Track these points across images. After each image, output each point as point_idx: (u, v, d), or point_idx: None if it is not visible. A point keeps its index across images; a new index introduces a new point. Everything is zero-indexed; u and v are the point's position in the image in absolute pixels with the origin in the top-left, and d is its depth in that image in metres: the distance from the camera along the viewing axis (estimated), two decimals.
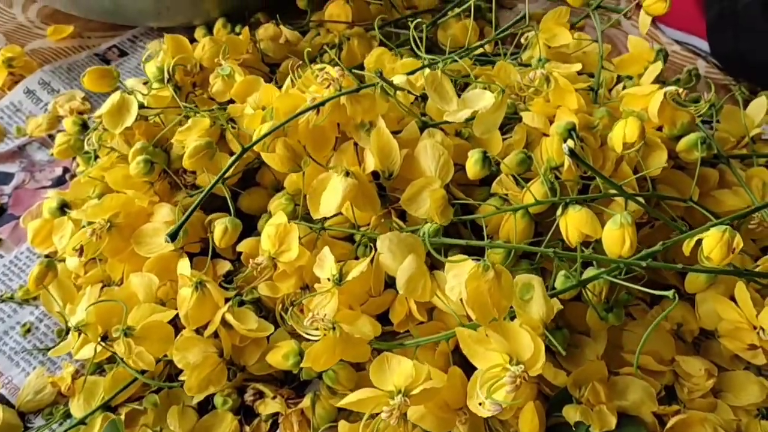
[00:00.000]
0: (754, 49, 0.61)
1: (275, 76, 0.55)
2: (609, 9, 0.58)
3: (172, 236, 0.39)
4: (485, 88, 0.44)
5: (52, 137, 0.60)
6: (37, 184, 0.56)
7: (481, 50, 0.59)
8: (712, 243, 0.37)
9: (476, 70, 0.55)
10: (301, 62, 0.46)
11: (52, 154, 0.58)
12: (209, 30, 0.63)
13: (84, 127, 0.56)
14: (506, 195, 0.45)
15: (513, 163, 0.44)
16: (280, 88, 0.48)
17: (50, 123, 0.61)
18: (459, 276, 0.36)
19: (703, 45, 0.68)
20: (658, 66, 0.49)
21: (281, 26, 0.59)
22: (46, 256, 0.49)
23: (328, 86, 0.43)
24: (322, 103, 0.42)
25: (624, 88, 0.53)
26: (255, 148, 0.43)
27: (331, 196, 0.40)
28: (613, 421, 0.38)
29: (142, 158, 0.45)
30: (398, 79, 0.44)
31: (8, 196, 0.55)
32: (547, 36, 0.56)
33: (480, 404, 0.32)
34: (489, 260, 0.35)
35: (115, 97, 0.47)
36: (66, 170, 0.57)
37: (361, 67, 0.54)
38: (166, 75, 0.49)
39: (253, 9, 0.65)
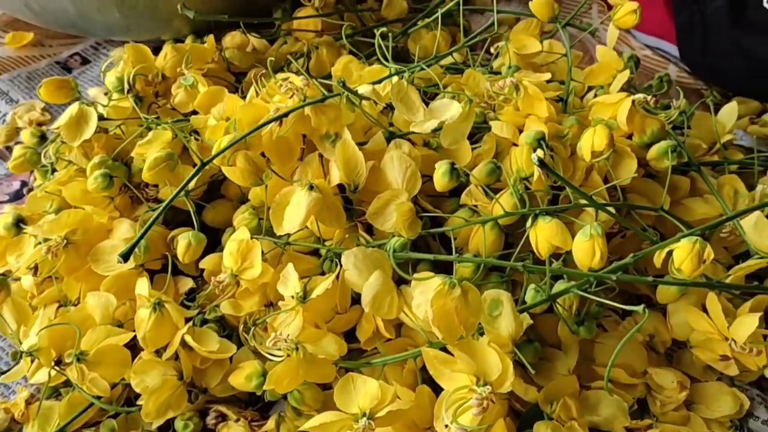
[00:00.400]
0: (721, 55, 0.61)
1: (241, 86, 0.54)
2: (578, 27, 0.57)
3: (125, 256, 0.37)
4: (453, 98, 0.43)
5: (10, 149, 0.58)
6: None
7: (451, 59, 0.58)
8: (683, 254, 0.37)
9: (446, 78, 0.54)
10: (265, 71, 0.44)
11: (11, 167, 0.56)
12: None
13: (42, 139, 0.55)
14: (476, 206, 0.44)
15: (482, 174, 0.43)
16: (245, 98, 0.47)
17: (8, 135, 0.59)
18: (425, 293, 0.35)
19: (674, 50, 0.68)
20: (626, 74, 0.49)
21: (249, 35, 0.58)
22: (1, 274, 0.47)
23: (292, 96, 0.42)
24: (285, 114, 0.41)
25: (595, 96, 0.52)
26: (216, 161, 0.41)
27: (295, 211, 0.39)
28: None
29: (100, 173, 0.43)
30: (364, 89, 0.43)
31: None
32: (517, 46, 0.55)
33: (446, 426, 0.31)
34: (457, 276, 0.34)
35: (74, 108, 0.45)
36: (24, 184, 0.55)
37: (330, 77, 0.53)
38: (126, 85, 0.48)
39: (224, 26, 0.62)
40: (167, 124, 0.46)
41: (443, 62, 0.58)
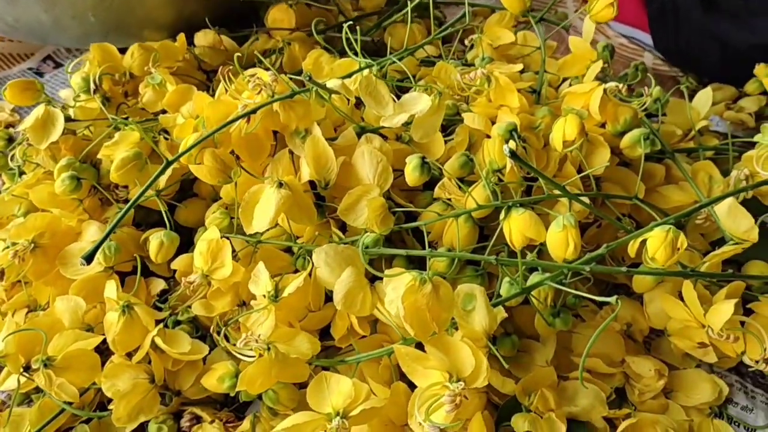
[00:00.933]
0: (694, 42, 0.61)
1: (212, 84, 0.53)
2: (552, 22, 0.57)
3: (88, 258, 0.36)
4: (425, 91, 0.42)
5: None
6: None
7: (424, 53, 0.57)
8: (657, 243, 0.37)
9: (420, 71, 0.54)
10: (232, 68, 0.44)
11: None
12: None
13: (10, 141, 0.54)
14: (449, 200, 0.43)
15: (455, 167, 0.43)
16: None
17: None
18: (398, 289, 0.34)
19: (649, 39, 0.68)
20: (599, 65, 0.48)
21: (221, 35, 0.57)
22: None
23: (260, 92, 0.41)
24: (254, 111, 0.41)
25: (570, 86, 0.52)
26: (182, 160, 0.41)
27: (264, 209, 0.39)
28: (562, 429, 0.37)
29: (67, 175, 0.42)
30: (333, 83, 0.42)
31: None
32: (491, 38, 0.55)
33: (420, 424, 0.31)
34: (431, 270, 0.34)
35: (40, 110, 0.44)
36: None
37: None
38: (92, 85, 0.47)
39: (198, 26, 0.60)
40: (134, 124, 0.45)
41: (419, 55, 0.58)
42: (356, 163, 0.42)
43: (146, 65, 0.49)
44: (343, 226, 0.43)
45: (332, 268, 0.37)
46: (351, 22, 0.42)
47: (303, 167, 0.42)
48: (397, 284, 0.35)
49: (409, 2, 0.50)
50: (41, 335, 0.36)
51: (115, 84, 0.49)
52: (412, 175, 0.41)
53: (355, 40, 0.44)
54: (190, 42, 0.58)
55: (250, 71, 0.42)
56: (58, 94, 0.63)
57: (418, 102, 0.41)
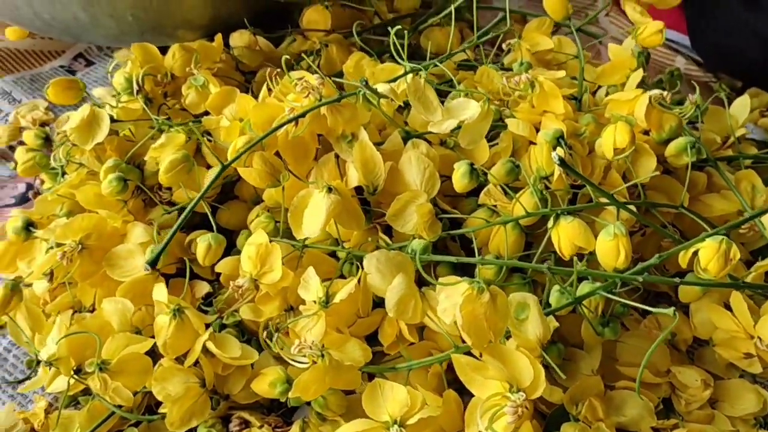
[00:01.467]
0: (735, 41, 0.60)
1: (251, 86, 0.53)
2: (590, 34, 0.57)
3: (152, 263, 0.36)
4: (467, 95, 0.42)
5: (12, 149, 0.57)
6: (1, 203, 0.53)
7: (462, 56, 0.57)
8: (709, 254, 0.36)
9: (458, 75, 0.54)
10: (278, 70, 0.44)
11: (13, 168, 0.55)
12: None
13: (47, 140, 0.54)
14: (495, 206, 0.43)
15: (501, 173, 0.43)
16: (256, 98, 0.46)
17: (11, 134, 0.58)
18: (451, 297, 0.34)
19: (683, 39, 0.67)
20: (639, 74, 0.48)
21: (256, 36, 0.57)
22: (12, 280, 0.46)
23: (308, 95, 0.41)
24: (302, 114, 0.40)
25: (607, 94, 0.52)
26: (233, 164, 0.40)
27: (315, 215, 0.39)
28: None
29: (114, 176, 0.42)
30: (382, 87, 0.42)
31: None
32: (530, 43, 0.55)
33: None
34: (482, 280, 0.34)
35: (85, 110, 0.44)
36: (29, 186, 0.54)
37: (341, 75, 0.52)
38: (135, 86, 0.47)
39: (234, 26, 0.59)
40: (179, 126, 0.45)
41: (454, 58, 0.58)
42: (403, 168, 0.42)
43: (188, 66, 0.49)
44: (387, 231, 0.43)
45: (383, 275, 0.37)
46: (398, 26, 0.42)
47: (350, 172, 0.42)
48: (451, 292, 0.34)
49: (452, 5, 0.49)
50: (90, 338, 0.36)
51: (156, 84, 0.49)
52: (461, 181, 0.41)
53: (401, 45, 0.44)
54: (225, 42, 0.58)
55: (296, 73, 0.42)
56: (92, 92, 0.62)
57: (467, 108, 0.41)
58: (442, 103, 0.43)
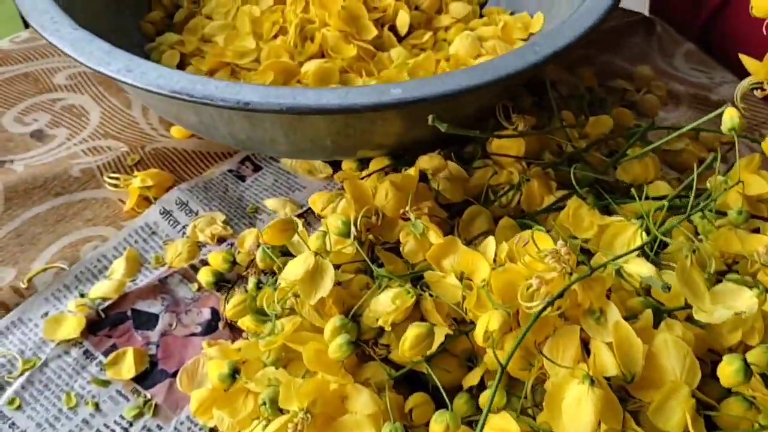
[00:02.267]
0: None
1: (456, 225, 0.50)
2: None
3: None
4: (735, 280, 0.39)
5: (194, 268, 0.55)
6: (186, 330, 0.51)
7: (664, 191, 0.54)
8: None
9: (669, 220, 0.50)
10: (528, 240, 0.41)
11: (197, 290, 0.53)
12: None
13: (233, 264, 0.52)
14: (753, 398, 0.39)
15: (763, 361, 0.39)
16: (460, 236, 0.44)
17: (190, 251, 0.57)
18: None
19: None
20: None
21: (447, 160, 0.55)
22: (210, 429, 0.44)
23: (561, 271, 0.38)
24: (560, 295, 0.38)
25: None
26: (480, 342, 0.38)
27: (580, 412, 0.35)
28: None
29: (344, 340, 0.40)
30: (644, 270, 0.39)
31: (156, 346, 0.49)
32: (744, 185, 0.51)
33: None
34: None
35: (309, 260, 0.42)
36: (214, 312, 0.52)
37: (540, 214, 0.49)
38: (353, 231, 0.45)
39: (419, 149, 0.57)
40: (400, 280, 0.42)
41: (651, 192, 0.54)
42: (659, 353, 0.38)
43: (402, 207, 0.47)
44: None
45: None
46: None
47: (604, 356, 0.38)
48: None
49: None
50: None
51: (366, 227, 0.47)
52: (733, 378, 0.37)
53: (633, 196, 0.41)
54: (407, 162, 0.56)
55: (545, 247, 0.39)
56: (264, 203, 0.61)
57: (738, 296, 0.38)
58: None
